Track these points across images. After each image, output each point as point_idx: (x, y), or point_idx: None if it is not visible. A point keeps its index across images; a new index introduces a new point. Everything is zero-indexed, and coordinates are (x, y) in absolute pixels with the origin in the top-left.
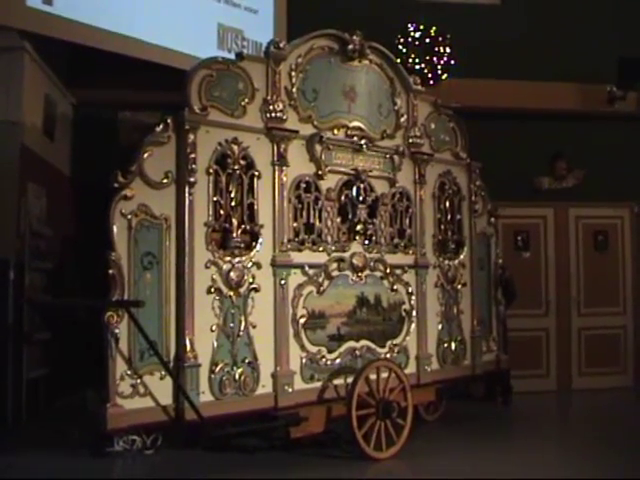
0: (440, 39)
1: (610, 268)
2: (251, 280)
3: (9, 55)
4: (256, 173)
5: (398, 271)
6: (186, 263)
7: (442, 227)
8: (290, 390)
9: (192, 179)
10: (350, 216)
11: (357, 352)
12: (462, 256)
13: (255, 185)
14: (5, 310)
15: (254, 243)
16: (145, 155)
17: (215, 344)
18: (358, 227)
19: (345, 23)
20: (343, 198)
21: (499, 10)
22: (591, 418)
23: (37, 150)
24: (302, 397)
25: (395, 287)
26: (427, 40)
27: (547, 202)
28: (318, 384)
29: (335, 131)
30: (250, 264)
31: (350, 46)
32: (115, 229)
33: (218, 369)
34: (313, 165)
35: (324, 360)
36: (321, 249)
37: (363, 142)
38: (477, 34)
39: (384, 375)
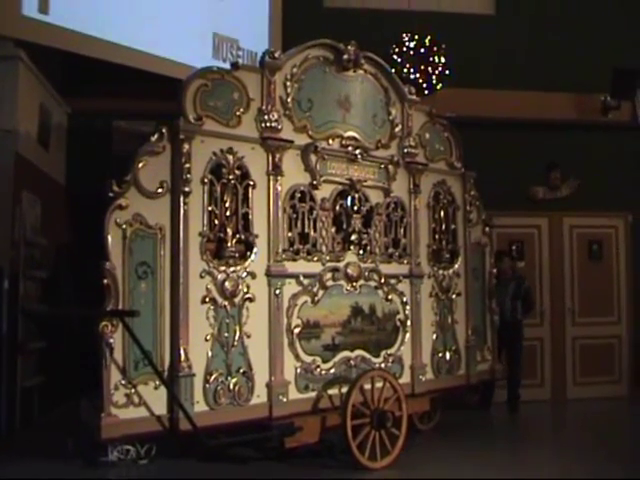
0: (435, 49)
1: (604, 277)
2: (246, 290)
3: (4, 64)
4: (251, 183)
5: (393, 281)
6: (181, 273)
7: (437, 237)
8: (284, 400)
9: (187, 189)
10: (345, 226)
11: (352, 362)
12: (457, 266)
13: (250, 195)
14: None
15: (249, 253)
16: (140, 165)
17: (209, 354)
18: (353, 237)
19: (340, 33)
20: (338, 208)
21: (494, 20)
22: (586, 427)
23: (32, 159)
24: (296, 407)
25: (390, 297)
26: (422, 50)
27: (541, 212)
28: (313, 394)
29: (330, 141)
30: (245, 274)
31: (345, 56)
32: (110, 239)
33: (212, 379)
34: (308, 175)
35: (319, 370)
36: (316, 259)
37: (358, 152)
38: (472, 44)
39: (379, 385)
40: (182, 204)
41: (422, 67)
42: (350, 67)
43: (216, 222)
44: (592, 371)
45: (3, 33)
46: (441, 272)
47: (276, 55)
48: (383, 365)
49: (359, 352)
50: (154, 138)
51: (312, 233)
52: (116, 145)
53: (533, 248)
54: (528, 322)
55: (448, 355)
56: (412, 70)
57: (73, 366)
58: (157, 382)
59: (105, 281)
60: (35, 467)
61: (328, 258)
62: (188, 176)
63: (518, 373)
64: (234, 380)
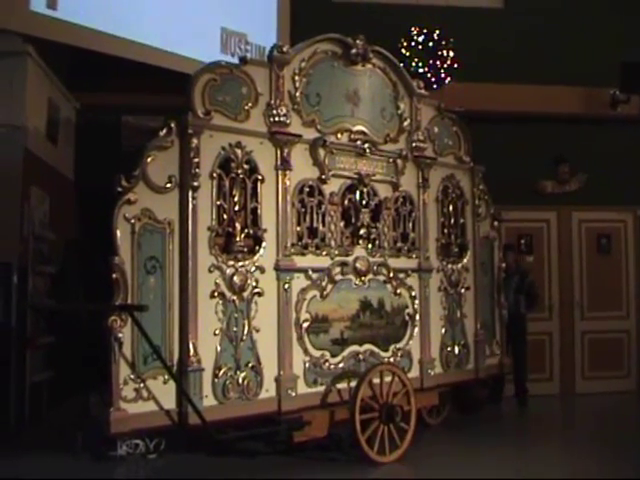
0: (443, 43)
1: (613, 272)
2: (254, 284)
3: (12, 59)
4: (259, 177)
5: (401, 275)
6: (189, 267)
7: (445, 231)
8: (293, 394)
9: (195, 183)
10: (353, 220)
11: (360, 356)
12: (465, 260)
13: (258, 189)
14: (8, 314)
15: (257, 247)
16: (148, 159)
17: (218, 348)
18: (361, 231)
19: (348, 27)
20: (346, 202)
21: (502, 14)
22: (595, 422)
23: (40, 154)
24: (305, 401)
25: (398, 291)
26: (430, 44)
27: (550, 206)
28: (321, 388)
29: (338, 135)
30: (253, 268)
31: (353, 50)
32: (118, 233)
33: (221, 373)
34: (316, 169)
35: (327, 364)
36: (324, 253)
37: (366, 146)
38: (480, 38)
39: (387, 379)
40: (191, 199)
41: (431, 61)
42: (358, 61)
43: (225, 217)
44: (601, 365)
45: (11, 29)
46: (450, 266)
47: (284, 49)
48: (392, 359)
49: (368, 346)
50: (163, 133)
51: (321, 227)
52: (125, 140)
53: (542, 242)
54: (537, 316)
55: (457, 349)
56: (421, 64)
57: (82, 361)
58: (166, 376)
59: (114, 276)
60: (44, 462)
61: (337, 252)
62: (197, 171)
63: (523, 367)
64: (243, 374)
